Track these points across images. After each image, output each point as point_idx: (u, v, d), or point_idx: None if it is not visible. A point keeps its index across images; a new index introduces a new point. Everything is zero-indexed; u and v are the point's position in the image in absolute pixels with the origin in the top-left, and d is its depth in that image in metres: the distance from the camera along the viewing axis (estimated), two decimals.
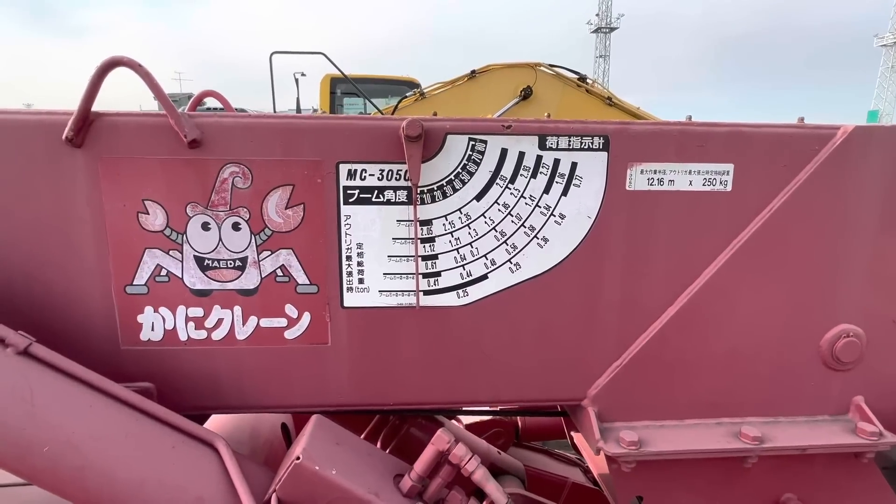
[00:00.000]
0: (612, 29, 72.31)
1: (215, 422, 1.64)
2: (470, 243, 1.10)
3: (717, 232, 1.13)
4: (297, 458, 0.91)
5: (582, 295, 1.14)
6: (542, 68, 6.28)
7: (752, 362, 1.19)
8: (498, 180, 1.08)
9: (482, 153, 1.07)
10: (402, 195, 1.07)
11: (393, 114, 6.27)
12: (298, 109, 8.33)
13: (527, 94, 6.25)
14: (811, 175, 1.11)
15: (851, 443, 1.15)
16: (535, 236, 1.10)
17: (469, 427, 2.10)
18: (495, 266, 1.11)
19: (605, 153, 1.08)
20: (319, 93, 9.06)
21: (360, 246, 1.08)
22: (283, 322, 1.10)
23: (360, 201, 1.06)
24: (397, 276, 1.10)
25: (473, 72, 6.32)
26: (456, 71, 6.49)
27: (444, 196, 1.08)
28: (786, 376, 1.20)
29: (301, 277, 1.09)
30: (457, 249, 1.10)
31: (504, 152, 1.07)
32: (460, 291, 1.12)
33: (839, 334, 1.17)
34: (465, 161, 1.07)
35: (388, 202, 1.07)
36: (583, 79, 6.45)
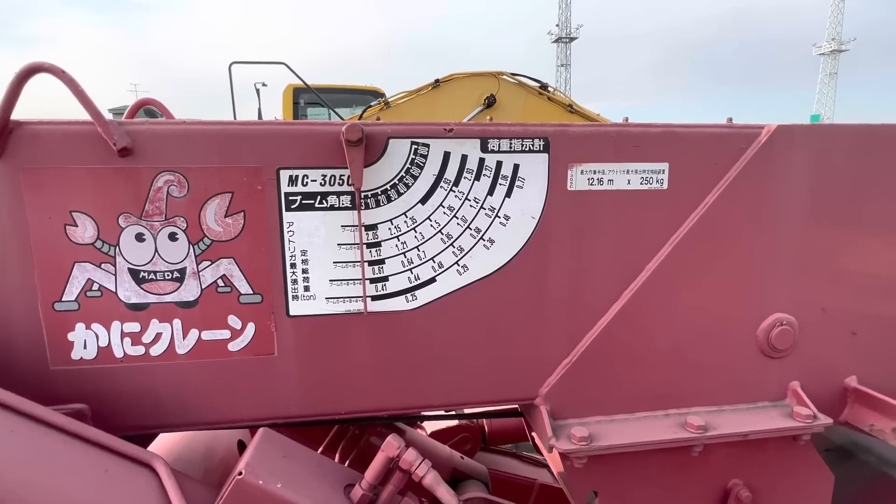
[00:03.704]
0: (572, 39, 74.50)
1: (166, 442, 1.57)
2: (416, 247, 1.10)
3: (657, 228, 1.17)
4: (240, 474, 0.88)
5: (530, 295, 1.15)
6: (504, 77, 6.38)
7: (694, 354, 1.23)
8: (442, 183, 1.09)
9: (425, 157, 1.07)
10: (346, 200, 1.06)
11: None
12: None
13: (490, 102, 6.32)
14: (740, 172, 1.17)
15: (788, 426, 1.20)
16: (481, 238, 1.12)
17: (434, 433, 2.09)
18: (443, 269, 1.12)
19: (546, 154, 1.11)
20: (282, 103, 8.92)
21: (304, 253, 1.07)
22: (226, 334, 1.07)
23: (302, 207, 1.05)
24: (344, 282, 1.09)
25: (437, 81, 6.36)
26: (428, 81, 6.49)
27: (389, 200, 1.08)
28: (727, 366, 1.25)
29: (244, 287, 1.06)
30: (403, 253, 1.10)
31: (447, 155, 1.08)
32: (409, 295, 1.11)
33: (773, 323, 1.23)
34: (408, 165, 1.07)
35: (332, 207, 1.06)
36: (544, 87, 6.59)
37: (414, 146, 1.07)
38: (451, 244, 1.11)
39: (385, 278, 1.10)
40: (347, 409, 1.16)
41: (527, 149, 1.10)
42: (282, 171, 1.03)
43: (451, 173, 1.09)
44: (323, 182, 1.05)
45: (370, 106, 6.75)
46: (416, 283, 1.11)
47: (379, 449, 1.02)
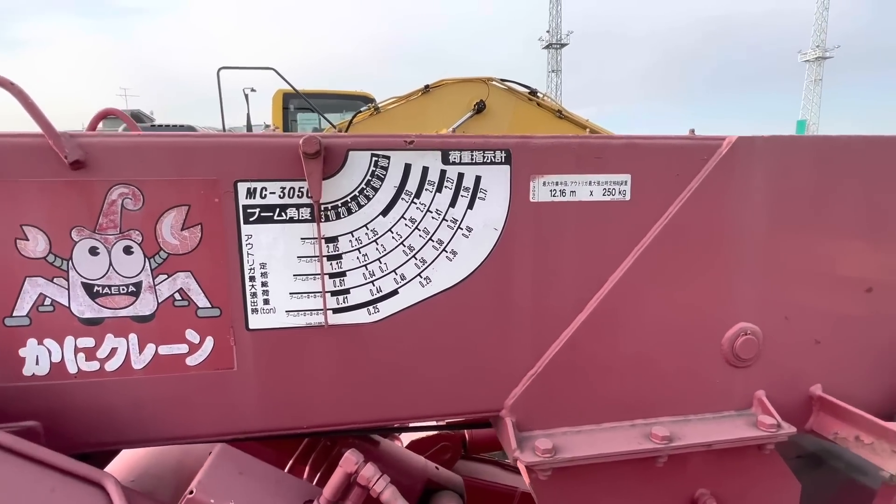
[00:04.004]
0: (563, 45, 75.12)
1: (132, 458, 1.54)
2: (378, 259, 1.09)
3: (620, 240, 1.18)
4: (190, 493, 0.87)
5: (494, 306, 1.15)
6: (494, 83, 6.39)
7: (660, 363, 1.23)
8: (403, 195, 1.08)
9: (385, 169, 1.07)
10: (306, 213, 1.05)
11: (347, 129, 6.21)
12: (249, 126, 8.14)
13: (480, 107, 6.34)
14: (702, 183, 1.18)
15: (752, 436, 1.20)
16: (444, 250, 1.11)
17: (413, 443, 2.08)
18: (405, 281, 1.11)
19: (508, 166, 1.11)
20: (272, 109, 8.89)
21: (263, 266, 1.05)
22: (183, 348, 1.05)
23: (261, 220, 1.04)
24: (304, 295, 1.08)
25: (427, 86, 6.36)
26: (420, 86, 6.49)
27: (350, 212, 1.07)
28: (692, 375, 1.25)
29: (202, 301, 1.04)
30: (365, 266, 1.09)
31: (408, 167, 1.08)
32: (371, 308, 1.11)
33: (738, 332, 1.23)
34: (368, 177, 1.06)
35: (291, 220, 1.05)
36: (533, 93, 6.61)
37: (374, 158, 1.06)
38: (414, 256, 1.10)
39: (346, 291, 1.09)
40: (310, 423, 1.15)
41: (488, 160, 1.10)
42: (239, 184, 1.02)
43: (412, 185, 1.08)
44: (282, 194, 1.04)
45: (360, 111, 6.74)
46: (379, 295, 1.10)
47: None
